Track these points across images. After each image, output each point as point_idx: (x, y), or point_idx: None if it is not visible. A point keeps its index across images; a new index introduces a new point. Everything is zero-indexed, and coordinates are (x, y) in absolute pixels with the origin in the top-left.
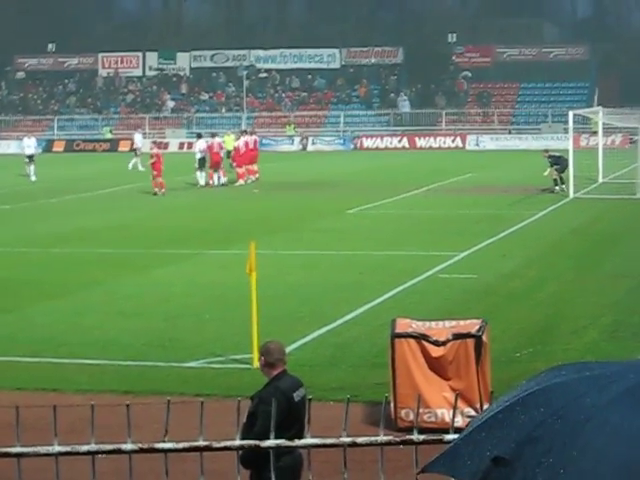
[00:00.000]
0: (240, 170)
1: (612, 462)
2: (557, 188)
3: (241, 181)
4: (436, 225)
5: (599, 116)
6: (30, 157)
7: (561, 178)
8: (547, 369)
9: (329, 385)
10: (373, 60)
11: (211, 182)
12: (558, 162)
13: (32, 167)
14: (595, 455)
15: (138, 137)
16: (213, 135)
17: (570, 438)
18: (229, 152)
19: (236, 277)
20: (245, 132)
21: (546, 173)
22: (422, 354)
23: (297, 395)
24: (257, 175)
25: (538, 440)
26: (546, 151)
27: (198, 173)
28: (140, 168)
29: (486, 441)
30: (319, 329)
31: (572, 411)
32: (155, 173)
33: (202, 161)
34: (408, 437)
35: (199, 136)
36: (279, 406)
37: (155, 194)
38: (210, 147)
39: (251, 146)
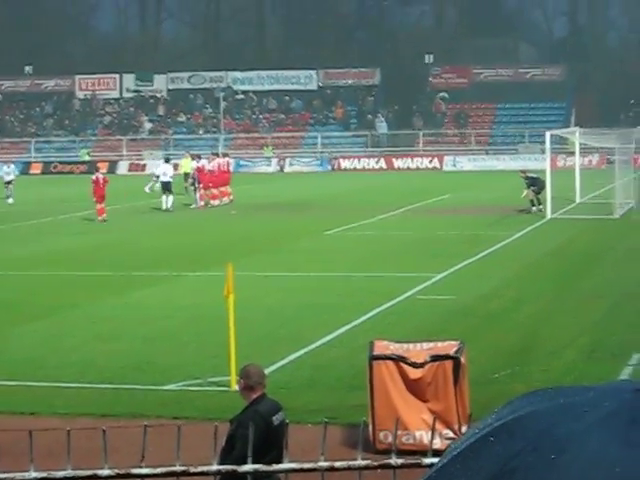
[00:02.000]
0: (214, 191)
1: None
2: (534, 209)
3: (216, 201)
4: (414, 246)
5: (576, 136)
6: (9, 182)
7: (538, 199)
8: (521, 395)
9: (307, 407)
10: (350, 81)
11: (201, 203)
12: (535, 183)
13: (10, 190)
14: None
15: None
16: (215, 154)
17: (545, 471)
18: (186, 175)
19: (214, 299)
20: (217, 155)
21: (523, 195)
22: (400, 376)
23: (276, 419)
24: (231, 197)
25: (512, 473)
26: (523, 172)
27: (164, 197)
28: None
29: (460, 474)
30: (297, 351)
31: (547, 442)
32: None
33: (167, 185)
34: (386, 461)
35: (167, 160)
36: (258, 430)
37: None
38: (200, 169)
39: (224, 168)
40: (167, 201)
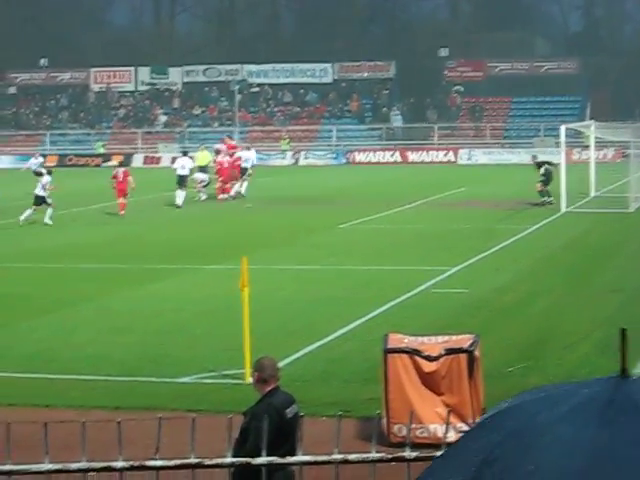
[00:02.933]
0: (228, 185)
1: (567, 473)
2: (545, 199)
3: (231, 193)
4: (428, 240)
5: (591, 130)
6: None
7: (547, 191)
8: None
9: (321, 400)
10: (365, 74)
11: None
12: (545, 174)
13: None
14: (550, 467)
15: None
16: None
17: (525, 454)
18: (201, 167)
19: (228, 292)
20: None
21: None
22: (415, 369)
23: (289, 411)
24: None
25: (495, 461)
26: (534, 157)
27: (178, 191)
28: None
29: (447, 468)
30: (311, 344)
31: (526, 429)
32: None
33: (182, 179)
34: (400, 454)
35: (185, 153)
36: (271, 423)
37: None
38: (221, 162)
39: (238, 163)
40: (180, 196)
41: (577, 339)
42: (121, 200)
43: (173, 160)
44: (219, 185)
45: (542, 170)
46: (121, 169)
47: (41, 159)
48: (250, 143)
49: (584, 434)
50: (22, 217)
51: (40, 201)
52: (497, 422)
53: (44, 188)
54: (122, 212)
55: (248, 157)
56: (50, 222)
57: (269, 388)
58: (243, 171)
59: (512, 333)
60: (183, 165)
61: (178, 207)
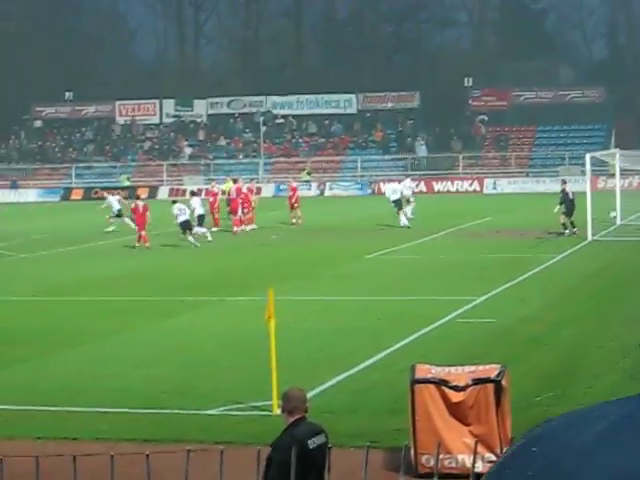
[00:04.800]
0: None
1: None
2: (567, 232)
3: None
4: (454, 269)
5: (616, 158)
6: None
7: (571, 222)
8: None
9: (349, 432)
10: (389, 105)
11: (242, 227)
12: (566, 204)
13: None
14: None
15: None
16: (235, 180)
17: None
18: (228, 200)
19: (253, 323)
20: (236, 180)
21: (555, 210)
22: (442, 400)
23: (313, 442)
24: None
25: None
26: (564, 182)
27: (196, 229)
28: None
29: None
30: (338, 375)
31: (564, 458)
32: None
33: (185, 224)
34: None
35: (193, 194)
36: (292, 454)
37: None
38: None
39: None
40: (200, 231)
41: (605, 367)
42: (143, 233)
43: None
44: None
45: (560, 200)
46: (141, 202)
47: (117, 196)
48: (274, 174)
49: (618, 461)
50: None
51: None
52: (530, 451)
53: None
54: (147, 244)
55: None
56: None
57: (293, 419)
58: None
59: (539, 362)
60: (180, 210)
61: (208, 241)
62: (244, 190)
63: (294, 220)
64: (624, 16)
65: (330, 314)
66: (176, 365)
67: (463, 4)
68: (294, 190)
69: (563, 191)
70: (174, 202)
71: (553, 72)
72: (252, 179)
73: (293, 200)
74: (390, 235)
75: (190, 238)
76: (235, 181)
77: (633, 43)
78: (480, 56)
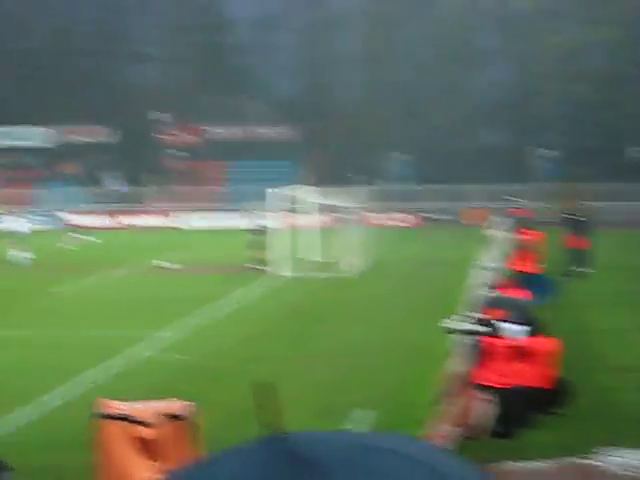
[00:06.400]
0: None
1: None
2: (259, 267)
3: None
4: (140, 305)
5: (301, 194)
6: None
7: (262, 259)
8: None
9: (36, 467)
10: (82, 138)
11: None
12: (257, 240)
13: None
14: None
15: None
16: None
17: None
18: None
19: None
20: None
21: (248, 246)
22: (129, 436)
23: None
24: None
25: None
26: (255, 217)
27: None
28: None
29: None
30: (21, 408)
31: None
32: None
33: None
34: None
35: None
36: None
37: None
38: None
39: None
40: None
41: (295, 404)
42: None
43: None
44: None
45: (250, 236)
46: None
47: None
48: None
49: None
50: None
51: None
52: None
53: None
54: None
55: None
56: None
57: None
58: None
59: (229, 398)
60: None
61: None
62: None
63: None
64: (319, 53)
65: (12, 350)
66: None
67: (157, 39)
68: None
69: (255, 226)
70: None
71: (246, 108)
72: None
73: None
74: (80, 268)
75: None
76: None
77: (325, 80)
78: (174, 91)
